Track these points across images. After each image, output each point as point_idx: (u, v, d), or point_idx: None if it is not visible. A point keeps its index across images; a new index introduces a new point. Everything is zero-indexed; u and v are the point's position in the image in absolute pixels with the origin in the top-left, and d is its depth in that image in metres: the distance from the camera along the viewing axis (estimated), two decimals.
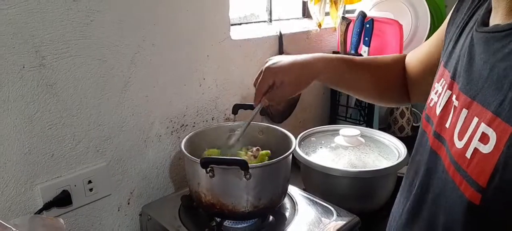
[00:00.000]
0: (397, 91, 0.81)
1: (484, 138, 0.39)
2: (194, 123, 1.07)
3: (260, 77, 0.77)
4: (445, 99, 0.50)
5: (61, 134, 0.81)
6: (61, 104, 0.79)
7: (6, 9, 0.69)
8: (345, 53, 1.39)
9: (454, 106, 0.47)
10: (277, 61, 0.76)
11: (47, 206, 0.80)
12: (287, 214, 0.91)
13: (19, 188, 0.77)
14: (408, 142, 1.10)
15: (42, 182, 0.80)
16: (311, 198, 0.96)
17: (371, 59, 0.86)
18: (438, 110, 0.51)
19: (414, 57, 0.77)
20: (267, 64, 0.77)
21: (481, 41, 0.45)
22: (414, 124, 1.55)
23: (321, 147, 1.09)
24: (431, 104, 0.55)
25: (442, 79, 0.53)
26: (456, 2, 0.58)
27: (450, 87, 0.49)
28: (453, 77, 0.49)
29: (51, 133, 0.79)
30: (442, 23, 1.60)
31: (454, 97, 0.48)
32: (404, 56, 0.81)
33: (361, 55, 1.33)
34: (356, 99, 1.42)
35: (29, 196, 0.79)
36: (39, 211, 0.79)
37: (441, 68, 0.55)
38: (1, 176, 0.74)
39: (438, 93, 0.53)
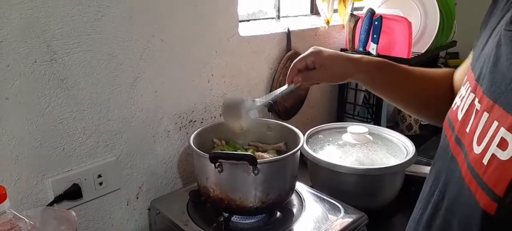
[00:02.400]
0: (440, 108, 0.74)
1: (502, 144, 0.37)
2: (202, 118, 1.08)
3: (303, 55, 0.78)
4: (468, 102, 0.47)
5: (72, 128, 0.82)
6: (71, 99, 0.80)
7: (18, 4, 0.69)
8: (353, 50, 1.39)
9: (476, 110, 0.44)
10: (325, 49, 0.78)
11: (58, 199, 0.81)
12: (294, 210, 0.91)
13: (30, 181, 0.78)
14: (416, 140, 1.10)
15: (53, 175, 0.81)
16: (318, 194, 0.96)
17: (418, 69, 0.82)
18: (460, 115, 0.49)
19: (459, 72, 0.72)
20: (314, 47, 0.79)
21: (509, 40, 0.42)
22: (422, 123, 1.54)
23: (328, 144, 1.09)
24: (453, 108, 0.52)
25: (467, 82, 0.50)
26: (490, 5, 0.55)
27: (474, 90, 0.47)
28: (478, 80, 0.47)
29: (62, 127, 0.80)
30: (451, 20, 1.59)
31: (476, 100, 0.45)
32: (453, 72, 0.76)
33: (369, 52, 1.32)
34: (364, 97, 1.42)
35: (41, 189, 0.80)
36: (50, 204, 0.80)
37: (468, 71, 0.53)
38: (14, 169, 0.75)
39: (462, 97, 0.50)
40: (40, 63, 0.74)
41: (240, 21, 1.12)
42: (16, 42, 0.71)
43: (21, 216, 0.58)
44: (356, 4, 1.53)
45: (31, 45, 0.73)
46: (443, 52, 2.00)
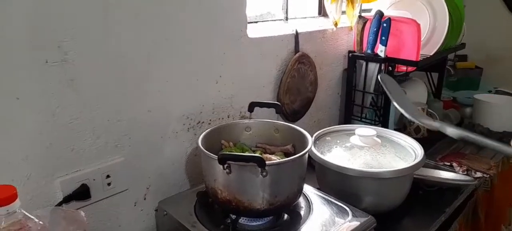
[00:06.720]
0: None
1: None
2: (210, 120, 1.08)
3: None
4: None
5: (81, 129, 0.82)
6: (81, 100, 0.81)
7: (31, 5, 0.70)
8: (361, 52, 1.38)
9: None
10: None
11: (67, 199, 0.82)
12: (302, 212, 0.91)
13: (40, 181, 0.79)
14: (424, 143, 1.09)
15: (62, 175, 0.81)
16: (326, 197, 0.95)
17: None
18: None
19: None
20: None
21: None
22: None
23: (336, 146, 1.08)
24: None
25: None
26: None
27: None
28: None
29: (72, 128, 0.81)
30: (460, 22, 1.58)
31: None
32: None
33: (377, 54, 1.32)
34: (371, 99, 1.41)
35: (50, 189, 0.80)
36: (59, 204, 0.81)
37: None
38: (23, 169, 0.76)
39: None
40: (51, 63, 0.75)
41: (249, 23, 1.12)
42: (27, 42, 0.71)
43: (31, 216, 0.58)
44: (364, 6, 1.52)
45: (43, 45, 0.73)
46: (451, 55, 1.99)
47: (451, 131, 0.61)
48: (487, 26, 2.12)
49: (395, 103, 0.69)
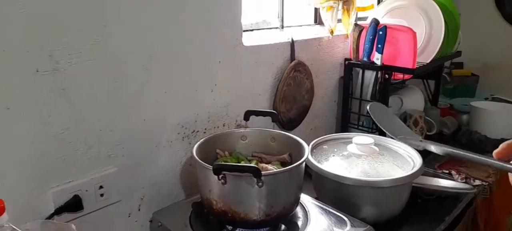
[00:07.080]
0: None
1: None
2: (205, 129, 1.06)
3: None
4: None
5: (74, 139, 0.80)
6: (73, 109, 0.79)
7: (21, 13, 0.69)
8: (357, 60, 1.38)
9: None
10: None
11: (59, 211, 0.80)
12: (299, 223, 0.89)
13: (31, 192, 0.77)
14: (422, 151, 1.08)
15: (53, 186, 0.79)
16: (324, 207, 0.94)
17: None
18: None
19: None
20: None
21: None
22: (427, 133, 1.52)
23: (333, 155, 1.07)
24: None
25: None
26: None
27: None
28: None
29: (64, 138, 0.79)
30: (456, 30, 1.58)
31: None
32: None
33: (374, 62, 1.31)
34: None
35: (41, 200, 0.78)
36: (51, 216, 0.79)
37: None
38: (14, 180, 0.74)
39: None
40: (42, 73, 0.73)
41: (244, 31, 1.12)
42: (18, 51, 0.70)
43: (19, 230, 0.56)
44: (360, 14, 1.52)
45: (34, 54, 0.72)
46: (448, 62, 1.99)
47: (435, 148, 0.61)
48: (482, 34, 2.13)
49: (385, 131, 0.69)
